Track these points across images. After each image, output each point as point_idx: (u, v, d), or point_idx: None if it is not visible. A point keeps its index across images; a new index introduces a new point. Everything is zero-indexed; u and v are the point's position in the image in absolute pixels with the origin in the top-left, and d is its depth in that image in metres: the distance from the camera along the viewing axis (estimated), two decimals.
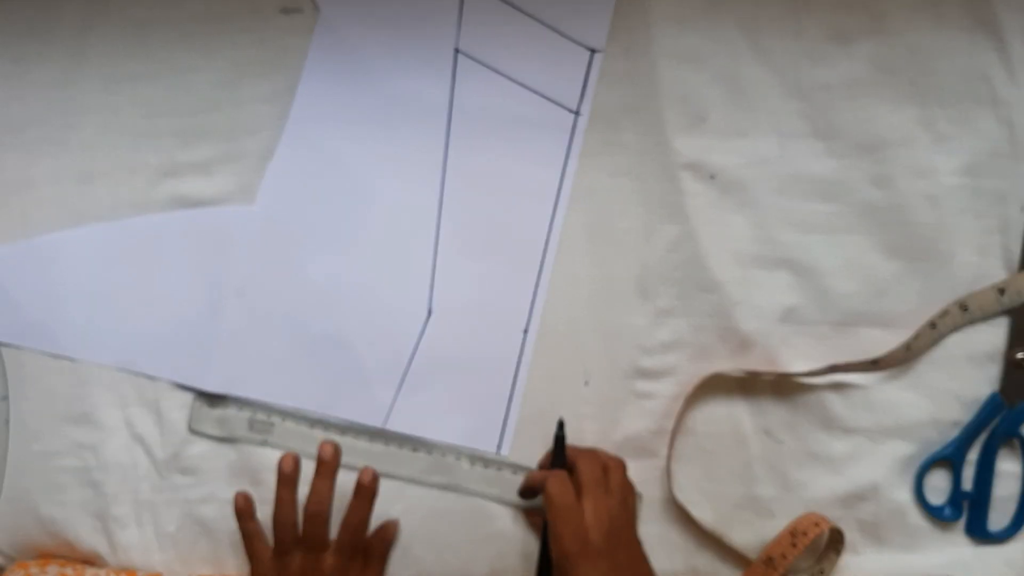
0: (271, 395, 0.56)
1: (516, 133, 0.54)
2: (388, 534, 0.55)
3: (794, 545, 0.51)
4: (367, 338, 0.55)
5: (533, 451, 0.54)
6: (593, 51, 0.54)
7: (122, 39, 0.56)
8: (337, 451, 0.51)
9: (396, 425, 0.55)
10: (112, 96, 0.57)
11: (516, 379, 0.54)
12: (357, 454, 0.55)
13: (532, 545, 0.54)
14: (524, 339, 0.54)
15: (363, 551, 0.53)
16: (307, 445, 0.55)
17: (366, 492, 0.51)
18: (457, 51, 0.54)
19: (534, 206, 0.54)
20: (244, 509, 0.52)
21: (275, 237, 0.56)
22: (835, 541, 0.52)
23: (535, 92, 0.54)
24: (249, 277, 0.56)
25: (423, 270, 0.55)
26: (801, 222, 0.53)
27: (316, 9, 0.55)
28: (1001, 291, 0.51)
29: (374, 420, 0.55)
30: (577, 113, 0.54)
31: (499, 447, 0.55)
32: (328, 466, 0.50)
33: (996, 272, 0.52)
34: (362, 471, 0.51)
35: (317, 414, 0.56)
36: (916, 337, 0.51)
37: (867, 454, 0.52)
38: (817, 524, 0.51)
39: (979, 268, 0.52)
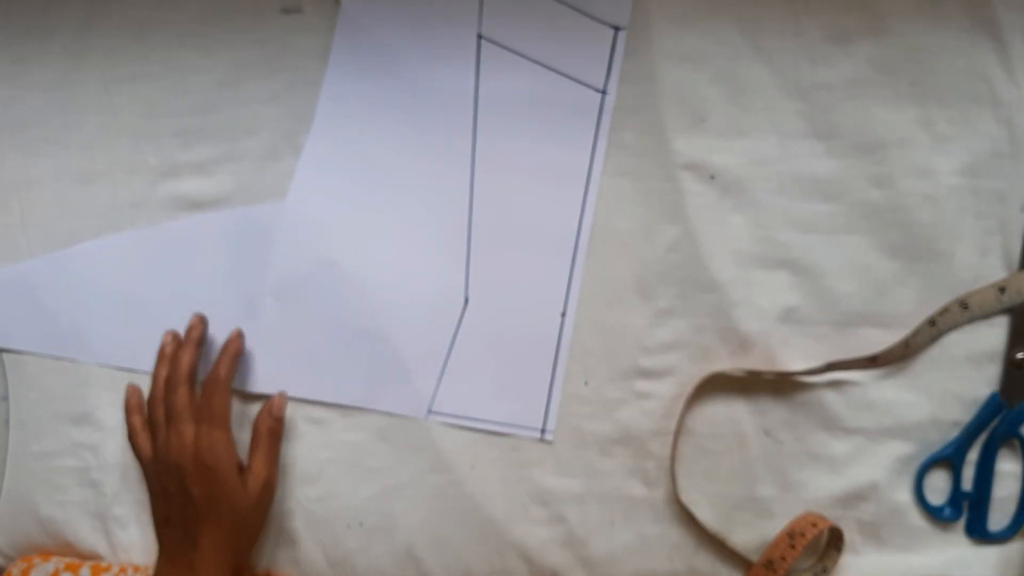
0: (312, 392, 0.55)
1: (543, 116, 0.54)
2: (276, 409, 0.54)
3: (792, 546, 0.51)
4: (405, 329, 0.55)
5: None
6: (617, 28, 0.53)
7: (122, 39, 0.56)
8: (203, 320, 0.54)
9: (440, 414, 0.55)
10: (112, 96, 0.57)
11: (557, 361, 0.54)
12: None
13: (532, 545, 0.54)
14: (563, 322, 0.54)
15: (252, 427, 0.54)
16: None
17: (229, 349, 0.53)
18: (480, 36, 0.54)
19: (565, 188, 0.54)
20: (132, 402, 0.54)
21: (307, 233, 0.56)
22: (835, 539, 0.52)
23: (560, 73, 0.53)
24: (283, 276, 0.56)
25: (458, 259, 0.55)
26: (801, 222, 0.53)
27: (337, 3, 0.55)
28: (1001, 290, 0.51)
29: (417, 411, 0.55)
30: (604, 92, 0.53)
31: (543, 430, 0.54)
32: (190, 334, 0.54)
33: (996, 272, 0.52)
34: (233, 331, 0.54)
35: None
36: (915, 334, 0.51)
37: (867, 454, 0.52)
38: (815, 524, 0.51)
39: (979, 268, 0.52)
